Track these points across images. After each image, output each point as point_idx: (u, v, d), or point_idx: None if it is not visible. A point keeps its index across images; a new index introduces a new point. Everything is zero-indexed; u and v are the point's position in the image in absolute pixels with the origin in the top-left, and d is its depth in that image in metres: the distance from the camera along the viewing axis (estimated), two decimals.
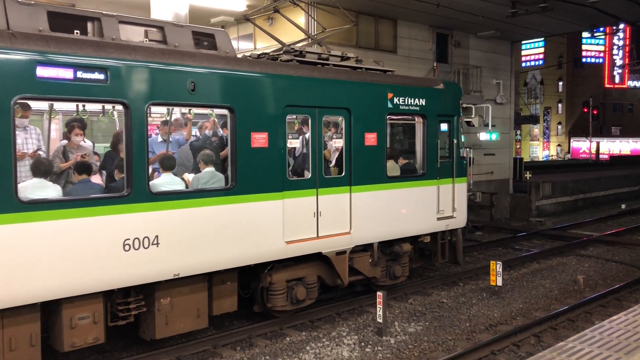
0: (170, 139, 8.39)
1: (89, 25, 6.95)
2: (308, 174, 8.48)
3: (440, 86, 10.61)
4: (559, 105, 56.32)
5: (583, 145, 51.91)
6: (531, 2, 18.16)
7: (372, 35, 19.12)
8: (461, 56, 21.92)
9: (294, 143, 8.60)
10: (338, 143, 9.05)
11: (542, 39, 30.06)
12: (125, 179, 6.66)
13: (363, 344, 8.23)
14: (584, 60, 45.74)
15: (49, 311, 6.50)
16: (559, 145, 59.54)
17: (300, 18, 18.15)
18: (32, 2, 6.61)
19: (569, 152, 55.73)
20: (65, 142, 7.64)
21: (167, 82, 6.99)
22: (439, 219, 10.39)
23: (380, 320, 8.48)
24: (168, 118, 8.45)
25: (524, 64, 31.25)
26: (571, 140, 56.11)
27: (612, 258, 13.63)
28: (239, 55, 8.51)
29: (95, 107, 7.94)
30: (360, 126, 9.00)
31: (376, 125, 9.23)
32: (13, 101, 5.86)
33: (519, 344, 8.23)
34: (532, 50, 32.63)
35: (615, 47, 45.87)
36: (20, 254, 5.87)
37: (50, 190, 6.33)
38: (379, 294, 8.47)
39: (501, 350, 7.99)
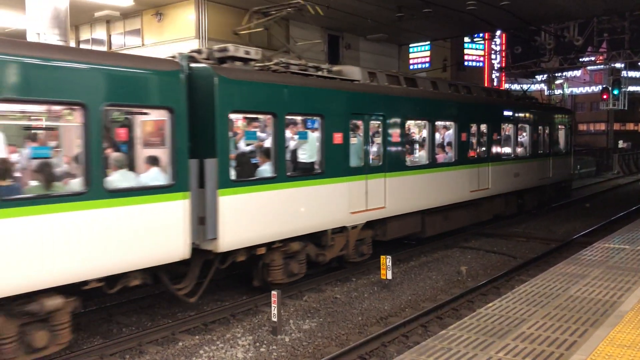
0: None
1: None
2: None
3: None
4: None
5: None
6: (416, 7, 19.01)
7: (264, 34, 19.10)
8: (352, 58, 22.49)
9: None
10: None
11: (428, 43, 31.49)
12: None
13: (258, 344, 8.21)
14: (466, 63, 48.46)
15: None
16: None
17: (190, 16, 17.77)
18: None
19: None
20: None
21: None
22: None
23: (275, 319, 8.51)
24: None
25: (411, 67, 32.56)
26: None
27: (491, 249, 14.60)
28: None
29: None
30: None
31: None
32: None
33: (408, 334, 8.59)
34: (419, 54, 34.07)
35: (493, 52, 49.10)
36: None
37: None
38: (274, 292, 8.49)
39: (391, 341, 8.29)
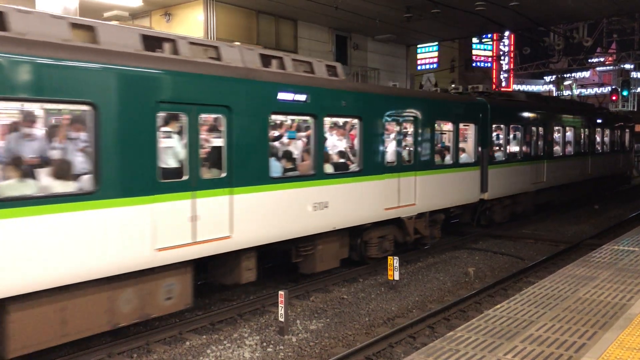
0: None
1: None
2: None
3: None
4: None
5: None
6: (424, 7, 18.95)
7: (272, 34, 19.15)
8: (360, 58, 22.46)
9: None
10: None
11: (436, 43, 31.41)
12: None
13: (265, 344, 8.22)
14: (474, 64, 48.24)
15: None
16: None
17: (199, 16, 17.81)
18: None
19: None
20: None
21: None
22: None
23: (282, 320, 8.52)
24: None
25: (419, 67, 32.45)
26: None
27: (499, 250, 14.54)
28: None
29: None
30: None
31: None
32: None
33: (415, 335, 8.57)
34: (427, 54, 33.92)
35: (501, 52, 48.84)
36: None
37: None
38: (281, 292, 8.50)
39: (398, 342, 8.28)
